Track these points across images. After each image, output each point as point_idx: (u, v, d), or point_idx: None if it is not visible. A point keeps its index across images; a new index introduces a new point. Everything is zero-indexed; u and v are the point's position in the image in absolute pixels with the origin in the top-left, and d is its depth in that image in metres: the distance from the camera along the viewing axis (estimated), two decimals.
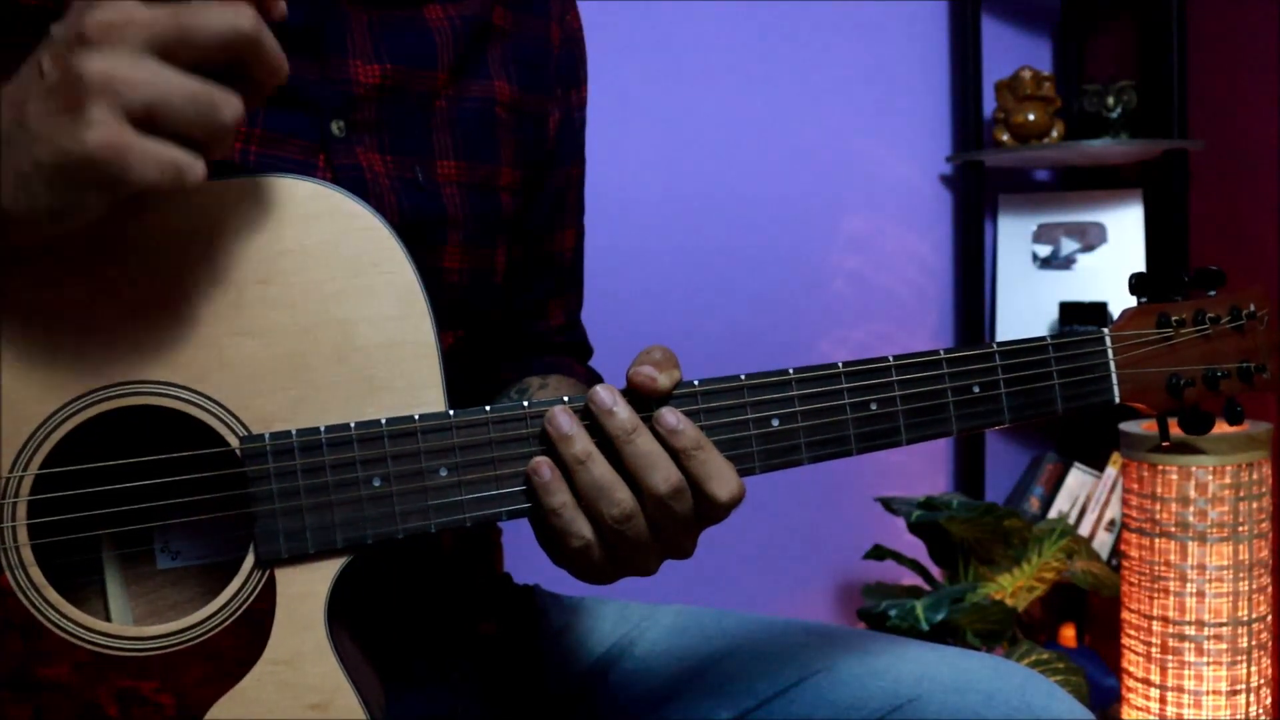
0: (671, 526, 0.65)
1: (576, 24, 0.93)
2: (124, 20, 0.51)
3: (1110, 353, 0.77)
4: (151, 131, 0.52)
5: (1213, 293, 0.81)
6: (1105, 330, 0.78)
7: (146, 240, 0.60)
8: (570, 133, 0.93)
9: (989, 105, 2.17)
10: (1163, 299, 0.80)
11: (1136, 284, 0.80)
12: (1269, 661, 1.70)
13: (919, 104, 2.21)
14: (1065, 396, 0.76)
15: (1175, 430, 0.83)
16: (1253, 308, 0.81)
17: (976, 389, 0.73)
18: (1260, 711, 1.68)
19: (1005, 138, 2.10)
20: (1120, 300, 2.02)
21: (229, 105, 0.53)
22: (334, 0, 0.74)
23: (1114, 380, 0.77)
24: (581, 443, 0.63)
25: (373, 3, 0.76)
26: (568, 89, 0.91)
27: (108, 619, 0.65)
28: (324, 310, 0.63)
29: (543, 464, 0.64)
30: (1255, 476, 1.65)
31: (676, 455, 0.64)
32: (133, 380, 0.61)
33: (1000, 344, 0.73)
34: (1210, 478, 1.64)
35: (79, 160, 0.51)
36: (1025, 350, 0.74)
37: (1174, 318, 0.79)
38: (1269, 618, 1.69)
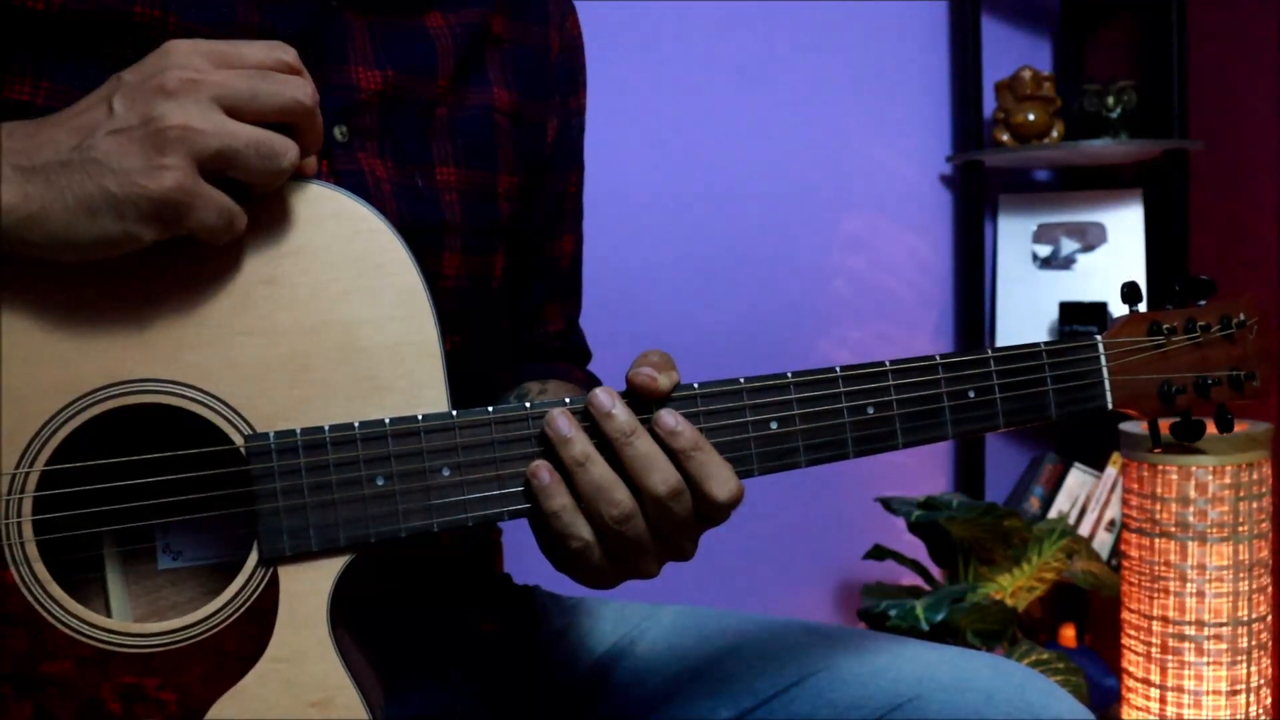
0: (671, 527, 0.65)
1: (576, 30, 0.93)
2: (202, 78, 0.57)
3: (1103, 359, 0.78)
4: (219, 175, 0.58)
5: (1203, 301, 0.82)
6: (1098, 337, 0.79)
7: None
8: (569, 139, 0.93)
9: (989, 105, 2.17)
10: (1154, 307, 0.81)
11: (1128, 293, 0.81)
12: (1269, 661, 1.70)
13: (919, 104, 2.21)
14: (1059, 402, 0.76)
15: (1166, 434, 0.83)
16: (1242, 316, 0.82)
17: (972, 394, 0.74)
18: (1260, 711, 1.68)
19: (1005, 138, 2.10)
20: (1120, 301, 2.02)
21: (289, 152, 0.60)
22: (333, 7, 0.75)
23: (1107, 387, 0.78)
24: (580, 445, 0.64)
25: (372, 10, 0.77)
26: (566, 96, 0.91)
27: (108, 617, 0.65)
28: (328, 311, 0.64)
29: (541, 468, 0.64)
30: (1255, 476, 1.65)
31: (675, 456, 0.65)
32: (138, 378, 0.61)
33: (995, 350, 0.74)
34: (1210, 478, 1.64)
35: (154, 199, 0.56)
36: (1020, 356, 0.75)
37: (1165, 326, 0.80)
38: (1269, 618, 1.69)
